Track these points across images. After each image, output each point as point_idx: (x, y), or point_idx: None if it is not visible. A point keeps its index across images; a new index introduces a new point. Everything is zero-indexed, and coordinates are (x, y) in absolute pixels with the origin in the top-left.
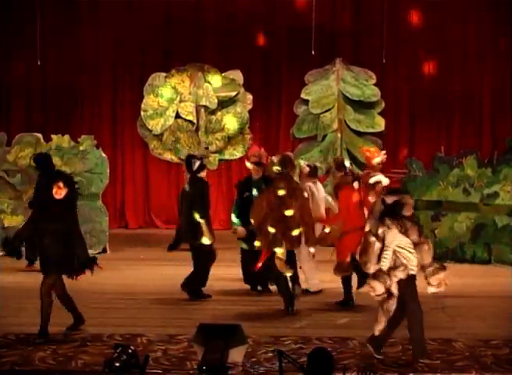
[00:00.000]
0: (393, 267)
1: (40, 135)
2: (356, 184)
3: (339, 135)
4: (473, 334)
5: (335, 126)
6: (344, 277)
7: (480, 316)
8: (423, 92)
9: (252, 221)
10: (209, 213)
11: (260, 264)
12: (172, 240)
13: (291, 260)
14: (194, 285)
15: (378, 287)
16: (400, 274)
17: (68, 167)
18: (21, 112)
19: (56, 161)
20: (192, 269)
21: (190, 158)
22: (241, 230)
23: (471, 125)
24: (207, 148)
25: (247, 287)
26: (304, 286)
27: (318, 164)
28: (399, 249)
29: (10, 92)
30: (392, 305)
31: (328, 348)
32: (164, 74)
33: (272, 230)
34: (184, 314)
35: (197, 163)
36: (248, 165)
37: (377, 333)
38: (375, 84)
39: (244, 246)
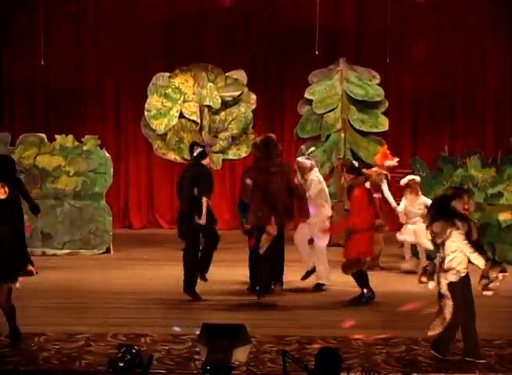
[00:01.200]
0: (445, 270)
1: (44, 135)
2: (368, 184)
3: (342, 135)
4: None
5: (338, 126)
6: (356, 274)
7: (483, 316)
8: (426, 92)
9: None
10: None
11: (252, 241)
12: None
13: (280, 248)
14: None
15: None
16: (452, 277)
17: (72, 167)
18: (24, 112)
19: (60, 161)
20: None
21: (192, 146)
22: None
23: (474, 125)
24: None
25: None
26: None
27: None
28: (454, 250)
29: (13, 92)
30: (446, 306)
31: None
32: (168, 74)
33: (259, 207)
34: (188, 314)
35: (198, 150)
36: None
37: (430, 333)
38: (378, 84)
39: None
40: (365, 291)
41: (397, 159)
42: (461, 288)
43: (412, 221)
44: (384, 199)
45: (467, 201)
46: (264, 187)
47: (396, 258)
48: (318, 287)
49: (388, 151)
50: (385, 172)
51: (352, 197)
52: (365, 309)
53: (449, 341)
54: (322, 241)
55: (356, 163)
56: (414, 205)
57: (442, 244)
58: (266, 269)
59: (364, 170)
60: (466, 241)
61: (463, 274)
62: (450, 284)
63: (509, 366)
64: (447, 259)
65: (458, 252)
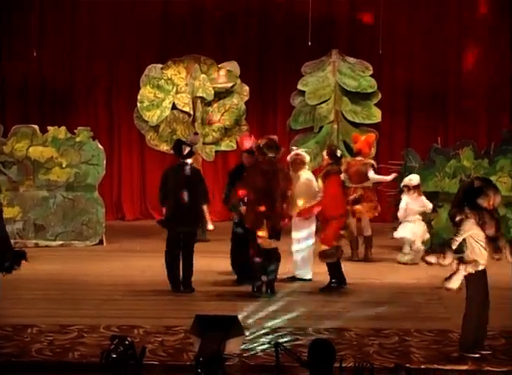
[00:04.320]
0: (464, 262)
1: (36, 126)
2: (342, 175)
3: (335, 126)
4: None
5: (331, 117)
6: (330, 263)
7: None
8: (420, 83)
9: (242, 191)
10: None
11: (252, 251)
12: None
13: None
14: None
15: (449, 254)
16: (470, 269)
17: (64, 158)
18: (17, 104)
19: (52, 152)
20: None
21: (179, 144)
22: (244, 208)
23: (467, 116)
24: (196, 134)
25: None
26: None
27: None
28: (473, 242)
29: (6, 84)
30: None
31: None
32: (160, 65)
33: (259, 208)
34: (181, 305)
35: (188, 149)
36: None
37: None
38: (371, 75)
39: (239, 230)
40: (333, 280)
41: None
42: (477, 281)
43: (412, 219)
44: (375, 189)
45: (493, 197)
46: (264, 189)
47: (389, 249)
48: (294, 279)
49: (371, 135)
50: (370, 161)
51: (326, 184)
52: (358, 301)
53: (481, 338)
54: (310, 238)
55: (339, 153)
56: (416, 202)
57: (458, 230)
58: (258, 265)
59: (349, 160)
60: (470, 232)
61: (481, 267)
62: (467, 276)
63: (502, 357)
64: (456, 241)
65: (475, 244)
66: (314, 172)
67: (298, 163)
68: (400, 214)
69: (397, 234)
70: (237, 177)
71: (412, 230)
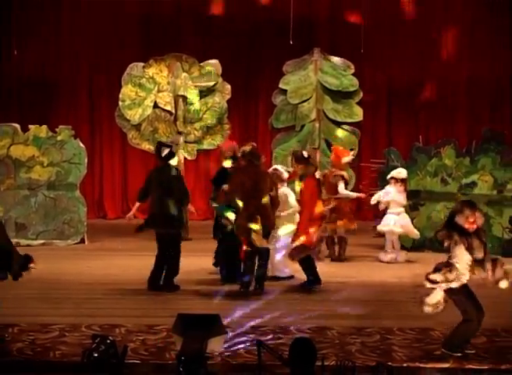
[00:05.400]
0: (449, 280)
1: (17, 125)
2: (317, 174)
3: (317, 125)
4: (450, 323)
5: (313, 116)
6: (302, 262)
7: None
8: (401, 82)
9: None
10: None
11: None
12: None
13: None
14: (170, 278)
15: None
16: (454, 284)
17: (46, 157)
18: None
19: (34, 151)
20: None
21: (159, 146)
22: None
23: (448, 114)
24: (180, 133)
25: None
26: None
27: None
28: (457, 264)
29: None
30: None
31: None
32: (142, 64)
33: (243, 205)
34: (163, 304)
35: (166, 150)
36: (228, 163)
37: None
38: (353, 74)
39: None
40: (311, 277)
41: (352, 152)
42: (462, 291)
43: (396, 212)
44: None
45: (470, 215)
46: (252, 193)
47: (371, 248)
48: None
49: (338, 150)
50: (341, 173)
51: (303, 186)
52: (339, 299)
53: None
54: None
55: (306, 153)
56: (402, 195)
57: (451, 257)
58: (251, 265)
59: (325, 172)
60: (456, 258)
61: (465, 281)
62: (451, 290)
63: (483, 355)
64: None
65: (459, 265)
66: (288, 178)
67: (275, 178)
68: (380, 201)
69: (382, 227)
70: (222, 182)
71: (397, 222)
